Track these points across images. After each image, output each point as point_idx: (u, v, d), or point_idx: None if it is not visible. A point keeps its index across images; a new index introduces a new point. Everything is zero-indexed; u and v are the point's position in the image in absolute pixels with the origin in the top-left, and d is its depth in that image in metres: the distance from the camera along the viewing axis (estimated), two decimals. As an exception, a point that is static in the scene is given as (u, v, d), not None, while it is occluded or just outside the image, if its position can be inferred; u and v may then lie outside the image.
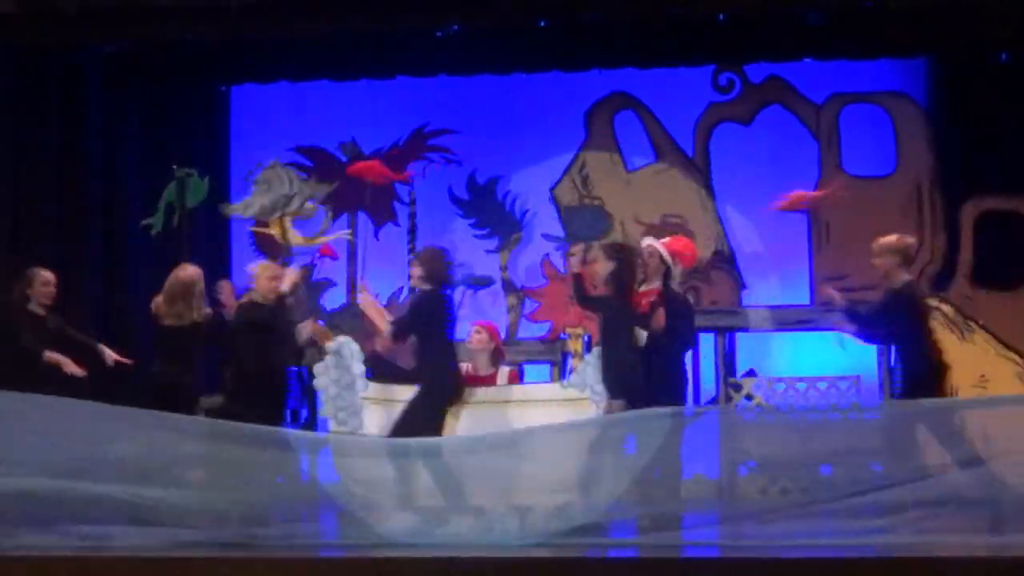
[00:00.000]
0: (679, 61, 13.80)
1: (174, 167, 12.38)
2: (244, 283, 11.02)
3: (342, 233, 11.05)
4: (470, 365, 10.61)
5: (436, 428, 9.36)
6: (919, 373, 9.44)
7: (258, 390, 9.80)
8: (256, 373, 9.87)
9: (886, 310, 9.63)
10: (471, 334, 10.59)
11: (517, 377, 10.62)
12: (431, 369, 9.56)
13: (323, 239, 11.12)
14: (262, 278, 10.08)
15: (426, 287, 9.75)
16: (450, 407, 9.63)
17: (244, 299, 10.25)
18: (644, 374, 9.62)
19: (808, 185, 14.00)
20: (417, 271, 9.81)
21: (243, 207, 11.44)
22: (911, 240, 9.82)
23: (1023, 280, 12.23)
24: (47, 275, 10.39)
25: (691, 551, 7.96)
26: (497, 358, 10.69)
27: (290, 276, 10.21)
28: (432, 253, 9.96)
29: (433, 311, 9.71)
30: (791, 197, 11.48)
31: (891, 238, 9.66)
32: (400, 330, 9.76)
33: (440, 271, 9.78)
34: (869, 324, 9.78)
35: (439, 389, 9.53)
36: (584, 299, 10.02)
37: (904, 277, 9.58)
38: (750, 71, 14.37)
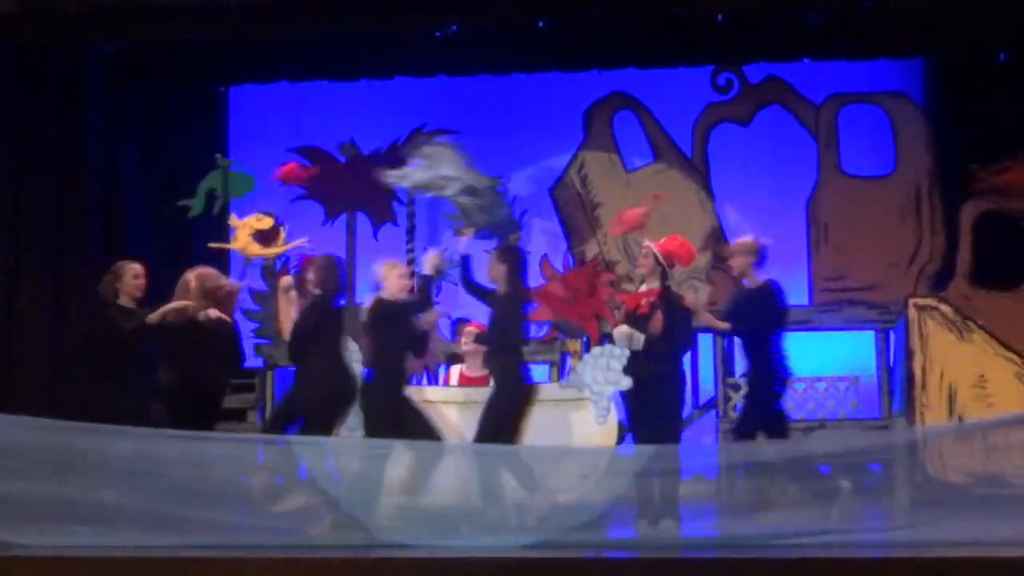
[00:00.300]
0: (678, 61, 13.81)
1: (217, 155, 12.48)
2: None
3: (299, 241, 11.02)
4: (464, 367, 10.62)
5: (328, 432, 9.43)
6: (766, 379, 9.57)
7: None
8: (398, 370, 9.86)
9: (738, 310, 9.84)
10: (463, 336, 10.58)
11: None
12: (309, 376, 9.60)
13: (281, 249, 11.04)
14: (392, 277, 10.00)
15: (316, 293, 9.80)
16: (343, 412, 9.65)
17: (375, 298, 10.13)
18: (643, 375, 9.66)
19: (806, 187, 14.04)
20: (310, 276, 9.88)
21: (400, 176, 11.36)
22: (765, 241, 9.98)
23: (1022, 280, 12.22)
24: (136, 267, 10.13)
25: (690, 551, 7.97)
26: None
27: (431, 259, 10.23)
28: (326, 261, 10.03)
29: (320, 319, 9.74)
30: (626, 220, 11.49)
31: (747, 239, 9.90)
32: (292, 336, 9.82)
33: (332, 280, 9.86)
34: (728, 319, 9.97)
35: (320, 398, 9.57)
36: (469, 285, 10.19)
37: (759, 278, 9.74)
38: (749, 71, 14.37)
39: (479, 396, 10.06)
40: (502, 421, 9.58)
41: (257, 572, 7.19)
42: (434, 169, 11.01)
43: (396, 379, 9.70)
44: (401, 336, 9.80)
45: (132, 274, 10.09)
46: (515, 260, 10.12)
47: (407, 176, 11.25)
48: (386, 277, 9.99)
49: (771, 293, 9.87)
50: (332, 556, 7.67)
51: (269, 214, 11.17)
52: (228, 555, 7.58)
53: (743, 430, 9.80)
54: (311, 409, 9.52)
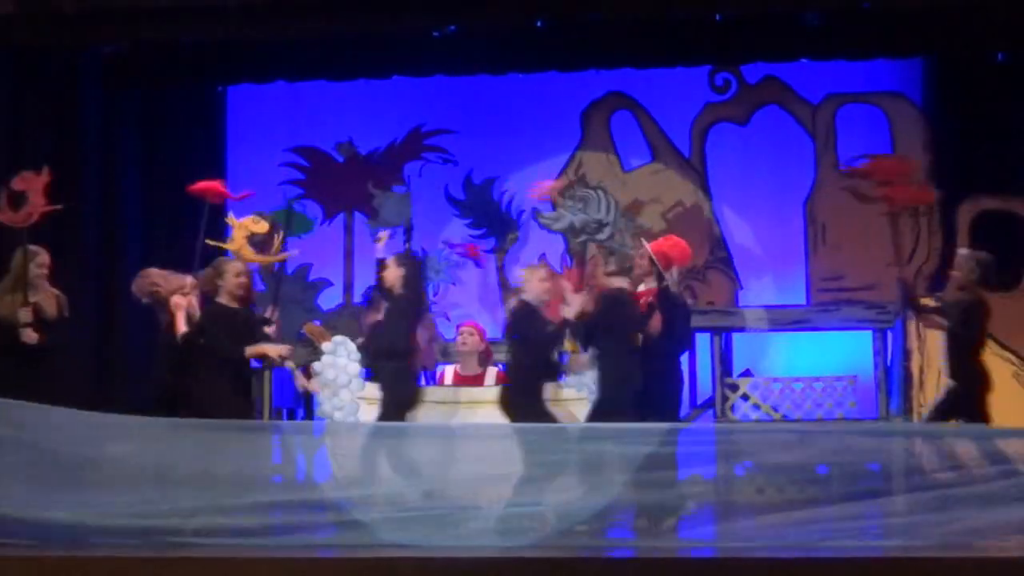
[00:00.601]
0: (676, 61, 13.79)
1: (289, 199, 13.04)
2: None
3: (291, 252, 11.02)
4: (458, 366, 10.64)
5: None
6: (615, 384, 9.64)
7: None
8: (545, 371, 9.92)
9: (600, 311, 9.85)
10: (460, 336, 10.59)
11: (505, 378, 10.63)
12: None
13: (273, 259, 11.03)
14: (533, 280, 10.01)
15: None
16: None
17: (517, 300, 10.14)
18: (641, 375, 9.67)
19: (803, 187, 14.05)
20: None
21: (553, 219, 11.38)
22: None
23: (1019, 280, 12.23)
24: (239, 266, 9.91)
25: (689, 551, 7.97)
26: (485, 359, 10.73)
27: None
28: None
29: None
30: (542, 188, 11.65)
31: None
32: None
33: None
34: None
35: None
36: (379, 285, 10.27)
37: (616, 284, 9.79)
38: (746, 71, 14.38)
39: (468, 396, 10.12)
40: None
41: (257, 572, 7.19)
42: (588, 213, 11.05)
43: (536, 382, 9.77)
44: (541, 337, 9.86)
45: (234, 272, 9.84)
46: (411, 267, 10.26)
47: (561, 219, 11.30)
48: (527, 280, 10.00)
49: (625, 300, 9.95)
50: (332, 556, 7.68)
51: (267, 218, 11.16)
52: (228, 555, 7.58)
53: None
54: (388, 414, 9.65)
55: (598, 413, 9.59)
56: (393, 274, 10.12)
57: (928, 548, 7.30)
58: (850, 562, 7.00)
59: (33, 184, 9.93)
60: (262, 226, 10.66)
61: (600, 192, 11.13)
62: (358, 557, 7.57)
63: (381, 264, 10.17)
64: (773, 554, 7.34)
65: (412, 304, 10.16)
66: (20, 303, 9.64)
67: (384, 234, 10.52)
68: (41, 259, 9.95)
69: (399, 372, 9.93)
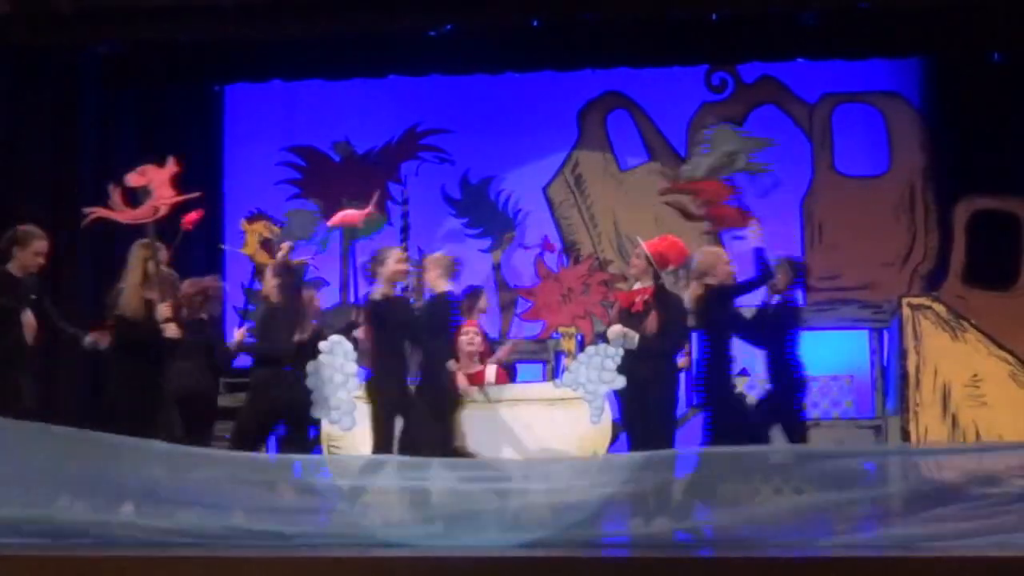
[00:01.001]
0: (672, 61, 13.80)
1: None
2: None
3: (303, 259, 11.08)
4: (457, 364, 10.63)
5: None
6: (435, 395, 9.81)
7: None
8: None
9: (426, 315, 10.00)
10: (467, 336, 10.58)
11: (505, 375, 10.63)
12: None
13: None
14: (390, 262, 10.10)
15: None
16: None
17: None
18: (638, 374, 9.69)
19: (800, 186, 14.07)
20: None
21: (691, 169, 11.36)
22: (454, 257, 10.18)
23: (1015, 279, 12.26)
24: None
25: (686, 551, 7.98)
26: (485, 357, 10.74)
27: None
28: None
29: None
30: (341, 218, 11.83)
31: (436, 254, 10.28)
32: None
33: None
34: None
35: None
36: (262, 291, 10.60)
37: (444, 287, 9.82)
38: (743, 71, 14.40)
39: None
40: None
41: (256, 572, 7.19)
42: (717, 150, 10.98)
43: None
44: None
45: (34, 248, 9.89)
46: (287, 276, 10.39)
47: (698, 166, 11.23)
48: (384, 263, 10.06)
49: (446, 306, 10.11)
50: (332, 556, 7.67)
51: (278, 226, 11.25)
52: (228, 555, 7.57)
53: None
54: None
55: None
56: (269, 284, 10.40)
57: (928, 548, 7.31)
58: (850, 562, 7.01)
59: (156, 176, 9.78)
60: (274, 231, 10.73)
61: (725, 130, 11.08)
62: (358, 557, 7.57)
63: (259, 271, 10.68)
64: (773, 554, 7.35)
65: (288, 313, 10.33)
66: (159, 298, 9.58)
67: (287, 245, 10.63)
68: (163, 254, 9.90)
69: (276, 376, 10.21)
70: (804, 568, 6.84)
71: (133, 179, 9.85)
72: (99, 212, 9.81)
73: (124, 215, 9.77)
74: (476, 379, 10.42)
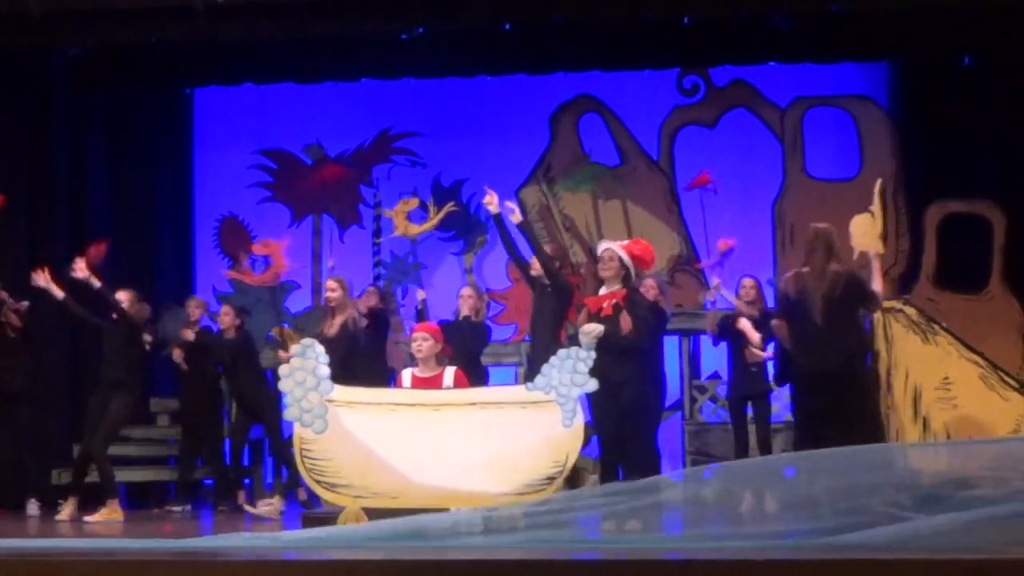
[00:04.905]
0: (644, 64, 13.83)
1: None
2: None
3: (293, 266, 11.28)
4: (416, 369, 10.57)
5: None
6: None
7: None
8: None
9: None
10: (415, 342, 10.44)
11: (464, 377, 10.53)
12: None
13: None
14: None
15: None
16: None
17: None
18: (610, 377, 9.68)
19: (771, 189, 14.11)
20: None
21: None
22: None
23: (986, 283, 12.26)
24: None
25: (678, 553, 7.94)
26: (442, 358, 10.68)
27: None
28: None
29: None
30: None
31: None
32: None
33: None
34: None
35: None
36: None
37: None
38: (714, 74, 14.44)
39: (428, 398, 10.08)
40: None
41: (256, 572, 7.16)
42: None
43: None
44: None
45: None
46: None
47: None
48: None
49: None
50: (332, 557, 7.64)
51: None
52: (228, 555, 7.55)
53: None
54: None
55: None
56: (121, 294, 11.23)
57: (928, 548, 7.27)
58: (849, 562, 6.98)
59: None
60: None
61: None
62: (358, 557, 7.54)
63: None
64: (773, 554, 7.32)
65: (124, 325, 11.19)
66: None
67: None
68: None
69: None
70: (804, 568, 6.82)
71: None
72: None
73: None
74: (434, 383, 10.36)
